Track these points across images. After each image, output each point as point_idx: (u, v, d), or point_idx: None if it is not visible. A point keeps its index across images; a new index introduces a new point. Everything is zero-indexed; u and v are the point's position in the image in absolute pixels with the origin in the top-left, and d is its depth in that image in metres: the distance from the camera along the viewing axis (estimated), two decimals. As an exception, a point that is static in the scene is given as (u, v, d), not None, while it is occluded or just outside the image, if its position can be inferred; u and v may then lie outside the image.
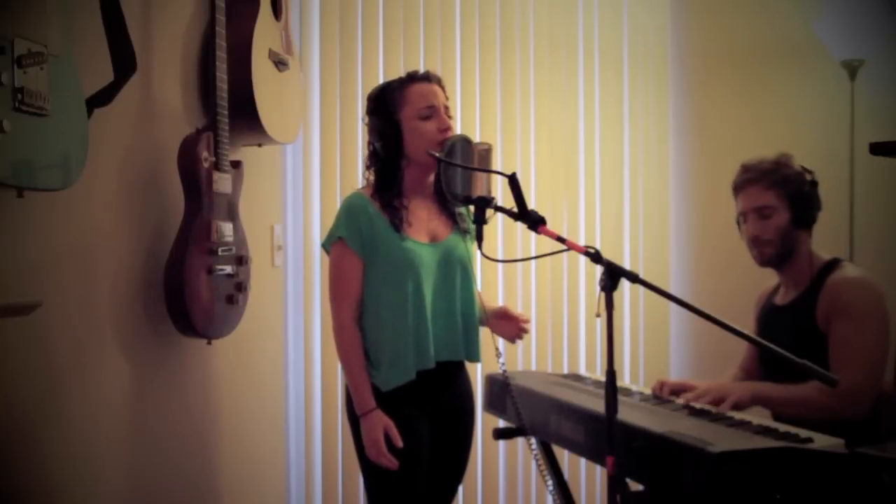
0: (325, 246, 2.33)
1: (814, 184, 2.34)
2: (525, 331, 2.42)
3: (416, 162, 2.28)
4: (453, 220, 2.37)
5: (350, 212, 2.27)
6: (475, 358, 2.37)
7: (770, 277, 2.50)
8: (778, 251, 2.34)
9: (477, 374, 3.27)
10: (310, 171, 3.04)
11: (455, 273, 2.32)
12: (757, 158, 2.38)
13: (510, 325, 2.42)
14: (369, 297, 2.26)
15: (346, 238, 2.25)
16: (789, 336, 2.25)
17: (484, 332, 2.42)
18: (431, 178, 2.34)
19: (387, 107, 2.28)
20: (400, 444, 2.19)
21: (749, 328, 1.91)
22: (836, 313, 2.22)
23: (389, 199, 2.28)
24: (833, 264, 2.32)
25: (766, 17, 4.00)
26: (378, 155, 2.30)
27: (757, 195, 2.35)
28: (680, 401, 2.17)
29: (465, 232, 2.37)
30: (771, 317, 2.43)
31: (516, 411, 2.35)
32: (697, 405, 2.13)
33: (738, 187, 2.40)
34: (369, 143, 2.34)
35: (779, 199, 2.32)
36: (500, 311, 2.45)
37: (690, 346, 4.10)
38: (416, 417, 2.26)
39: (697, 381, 2.39)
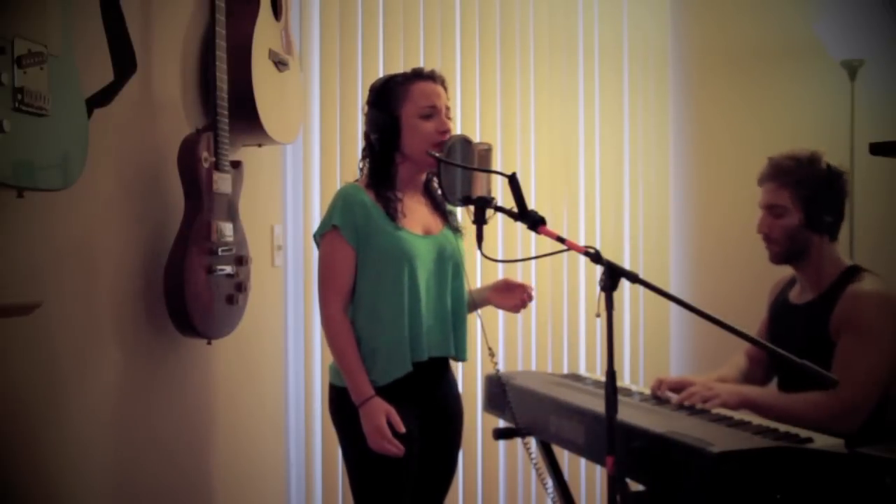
0: (316, 237, 2.28)
1: (838, 187, 2.27)
2: (529, 298, 2.37)
3: (410, 159, 2.27)
4: (444, 216, 2.37)
5: (346, 202, 2.23)
6: (462, 357, 2.35)
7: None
8: (785, 251, 2.30)
9: (477, 375, 3.27)
10: (310, 171, 3.04)
11: (447, 268, 2.30)
12: (785, 154, 2.31)
13: (512, 295, 2.38)
14: (364, 290, 2.23)
15: (339, 226, 2.20)
16: (800, 338, 2.23)
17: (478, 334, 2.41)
18: (424, 175, 2.34)
19: (388, 101, 2.26)
20: (402, 428, 2.15)
21: (750, 325, 1.91)
22: (847, 326, 2.17)
23: (383, 190, 2.26)
24: (853, 272, 2.25)
25: (766, 17, 4.00)
26: (373, 147, 2.29)
27: (771, 193, 2.30)
28: (675, 400, 2.17)
29: (455, 229, 2.37)
30: (784, 313, 2.40)
31: (511, 411, 2.35)
32: (698, 405, 2.13)
33: (760, 181, 2.34)
34: (366, 133, 2.32)
35: (792, 200, 2.26)
36: (500, 284, 2.42)
37: (690, 346, 4.10)
38: (405, 416, 2.20)
39: (696, 377, 2.38)
